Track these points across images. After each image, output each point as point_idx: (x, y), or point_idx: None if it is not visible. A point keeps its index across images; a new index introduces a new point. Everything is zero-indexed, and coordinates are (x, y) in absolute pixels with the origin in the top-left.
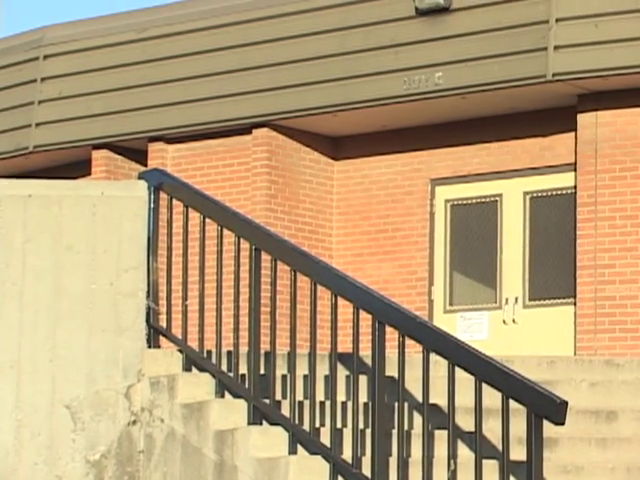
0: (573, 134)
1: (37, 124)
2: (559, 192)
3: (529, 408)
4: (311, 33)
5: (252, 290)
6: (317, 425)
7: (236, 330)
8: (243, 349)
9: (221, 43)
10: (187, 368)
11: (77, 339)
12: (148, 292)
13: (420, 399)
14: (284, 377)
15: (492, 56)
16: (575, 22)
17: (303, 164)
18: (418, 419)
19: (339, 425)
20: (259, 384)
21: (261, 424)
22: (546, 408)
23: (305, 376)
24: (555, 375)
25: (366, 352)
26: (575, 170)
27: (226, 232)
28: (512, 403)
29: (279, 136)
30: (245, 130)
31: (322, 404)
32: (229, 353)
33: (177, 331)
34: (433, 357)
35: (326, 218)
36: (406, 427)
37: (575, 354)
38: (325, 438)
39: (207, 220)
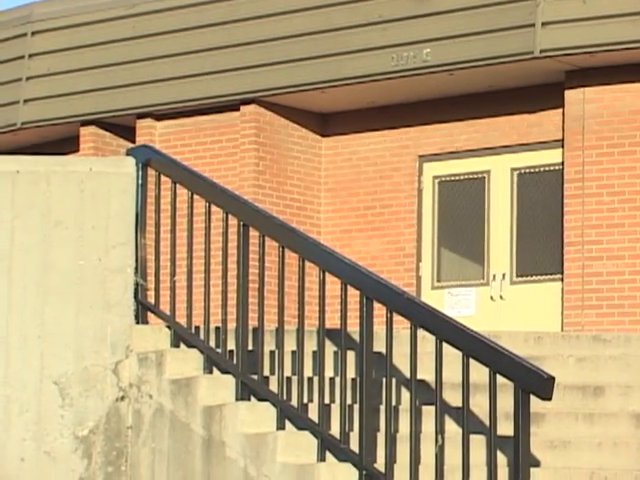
0: (560, 110)
1: (25, 100)
2: (546, 168)
3: (516, 383)
4: (299, 9)
5: (240, 266)
6: (305, 401)
7: (224, 306)
8: (231, 325)
9: (210, 19)
10: (175, 344)
11: (65, 315)
12: (136, 268)
13: (408, 375)
14: (272, 353)
15: (480, 32)
16: None
17: (291, 140)
18: (406, 395)
19: (327, 401)
20: (247, 360)
21: (249, 400)
22: (533, 383)
23: (293, 352)
24: (542, 351)
25: (354, 328)
26: (562, 146)
27: (214, 208)
28: (499, 378)
29: (267, 112)
30: (233, 107)
31: (310, 380)
32: (217, 329)
33: (165, 307)
34: (421, 333)
35: (314, 194)
36: (394, 403)
37: (562, 330)
38: (313, 414)
39: (195, 196)
